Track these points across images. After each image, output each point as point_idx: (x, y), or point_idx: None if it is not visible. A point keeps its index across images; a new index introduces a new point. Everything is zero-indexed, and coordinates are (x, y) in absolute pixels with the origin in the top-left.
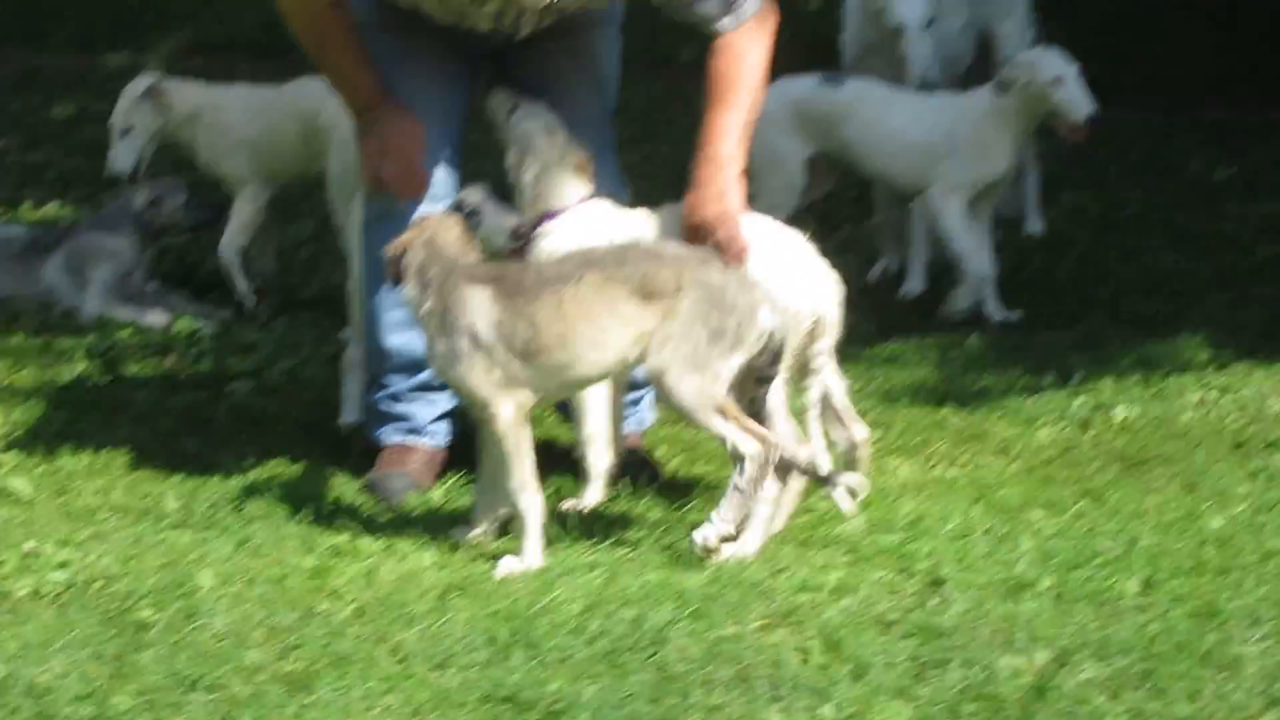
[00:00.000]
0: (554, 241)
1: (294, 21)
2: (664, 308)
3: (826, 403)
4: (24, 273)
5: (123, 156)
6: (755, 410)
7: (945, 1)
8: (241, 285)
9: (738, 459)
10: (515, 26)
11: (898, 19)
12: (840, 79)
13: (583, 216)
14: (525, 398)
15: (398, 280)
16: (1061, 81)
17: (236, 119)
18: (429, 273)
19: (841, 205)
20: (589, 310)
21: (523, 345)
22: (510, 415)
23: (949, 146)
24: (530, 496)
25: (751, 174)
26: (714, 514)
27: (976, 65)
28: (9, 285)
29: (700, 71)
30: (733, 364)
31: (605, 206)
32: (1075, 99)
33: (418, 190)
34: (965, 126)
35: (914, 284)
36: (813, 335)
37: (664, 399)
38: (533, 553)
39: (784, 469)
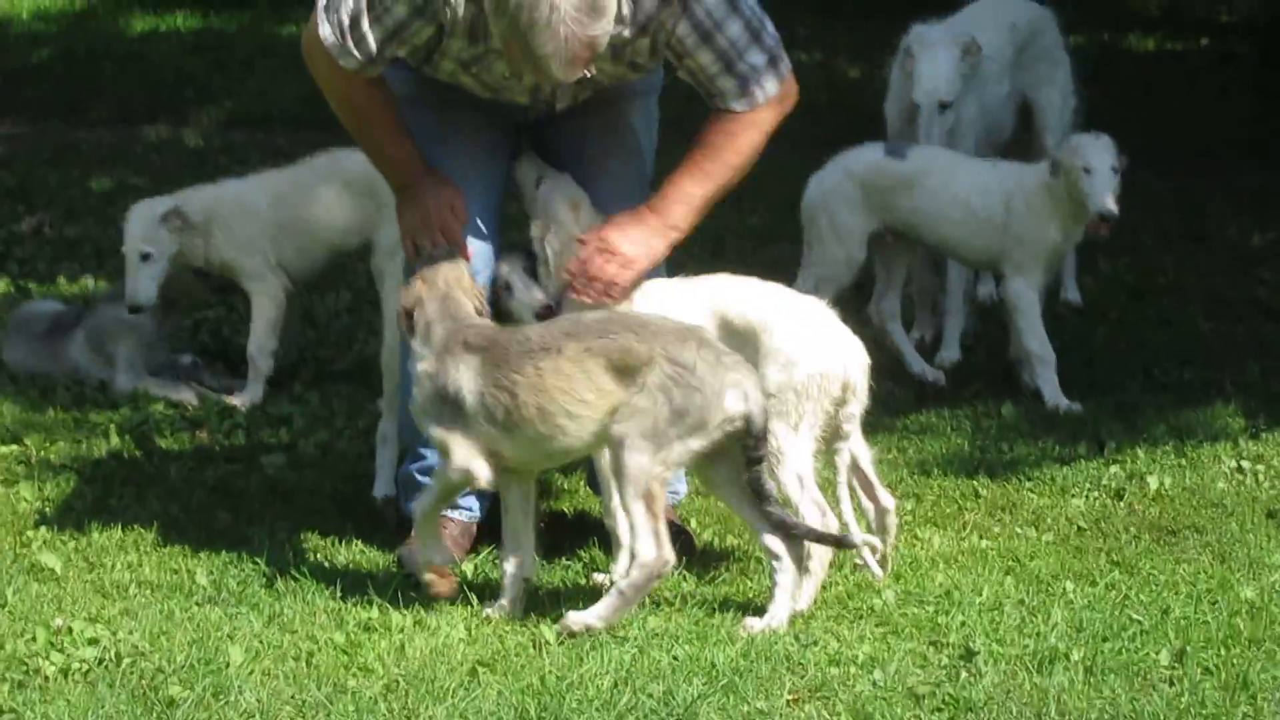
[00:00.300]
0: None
1: (331, 96)
2: (637, 380)
3: (855, 470)
4: (51, 352)
5: (145, 286)
6: (755, 489)
7: (988, 71)
8: (259, 387)
9: (633, 557)
10: (552, 100)
11: (917, 96)
12: (904, 148)
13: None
14: (507, 462)
15: (410, 331)
16: (1089, 172)
17: (259, 206)
18: (434, 332)
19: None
20: (566, 382)
21: (504, 417)
22: (487, 476)
23: (1005, 217)
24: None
25: (812, 244)
26: (594, 607)
27: (1018, 134)
28: (38, 364)
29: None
30: (691, 446)
31: None
32: (1094, 194)
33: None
34: (1020, 199)
35: (949, 352)
36: (842, 400)
37: (614, 470)
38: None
39: (800, 543)
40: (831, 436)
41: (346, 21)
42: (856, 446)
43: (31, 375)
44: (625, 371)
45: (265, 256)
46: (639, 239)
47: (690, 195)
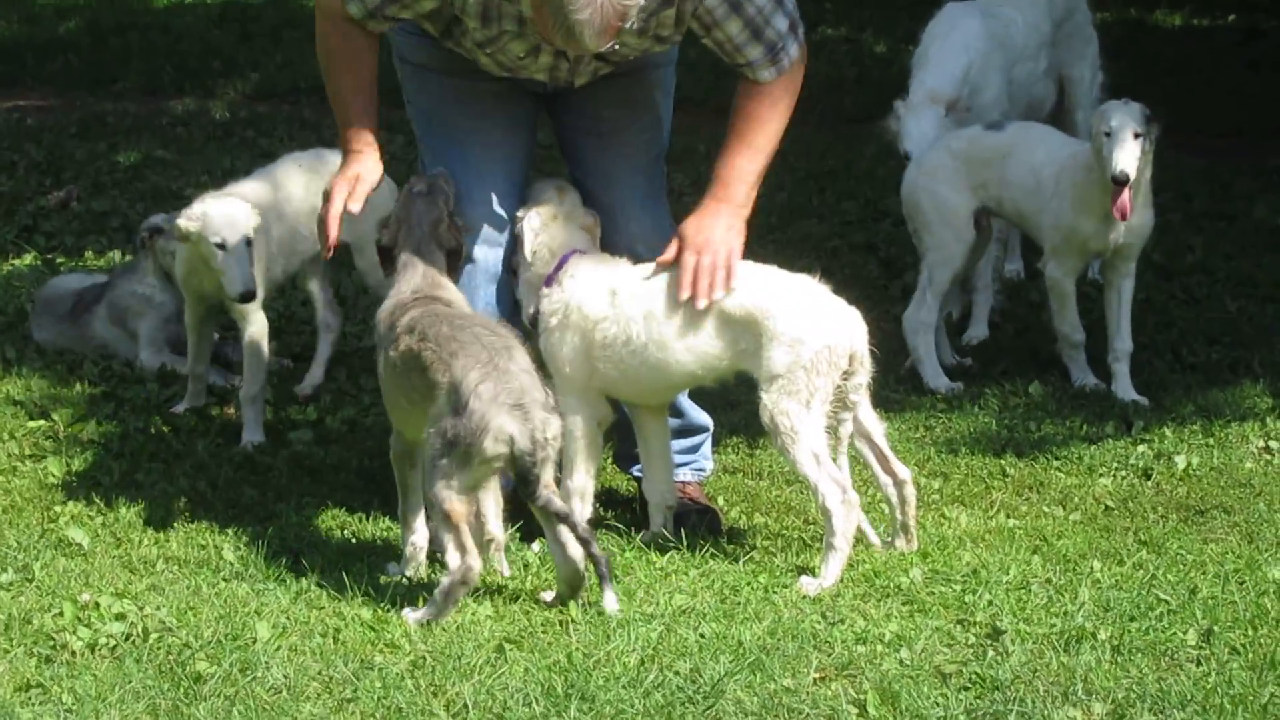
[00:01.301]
0: (550, 302)
1: (320, 37)
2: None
3: (869, 444)
4: (77, 330)
5: (252, 274)
6: (546, 510)
7: (1025, 48)
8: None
9: (445, 568)
10: (570, 79)
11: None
12: (1003, 122)
13: (580, 272)
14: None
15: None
16: (1109, 135)
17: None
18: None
19: (905, 251)
20: (390, 378)
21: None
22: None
23: (1053, 190)
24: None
25: (919, 232)
26: (423, 607)
27: (1056, 109)
28: (67, 342)
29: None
30: (473, 476)
31: (605, 261)
32: (1111, 155)
33: (326, 240)
34: (1067, 176)
35: (977, 330)
36: (850, 372)
37: None
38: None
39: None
40: (839, 408)
41: None
42: (868, 419)
43: (60, 351)
44: (433, 384)
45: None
46: (722, 227)
47: (748, 172)
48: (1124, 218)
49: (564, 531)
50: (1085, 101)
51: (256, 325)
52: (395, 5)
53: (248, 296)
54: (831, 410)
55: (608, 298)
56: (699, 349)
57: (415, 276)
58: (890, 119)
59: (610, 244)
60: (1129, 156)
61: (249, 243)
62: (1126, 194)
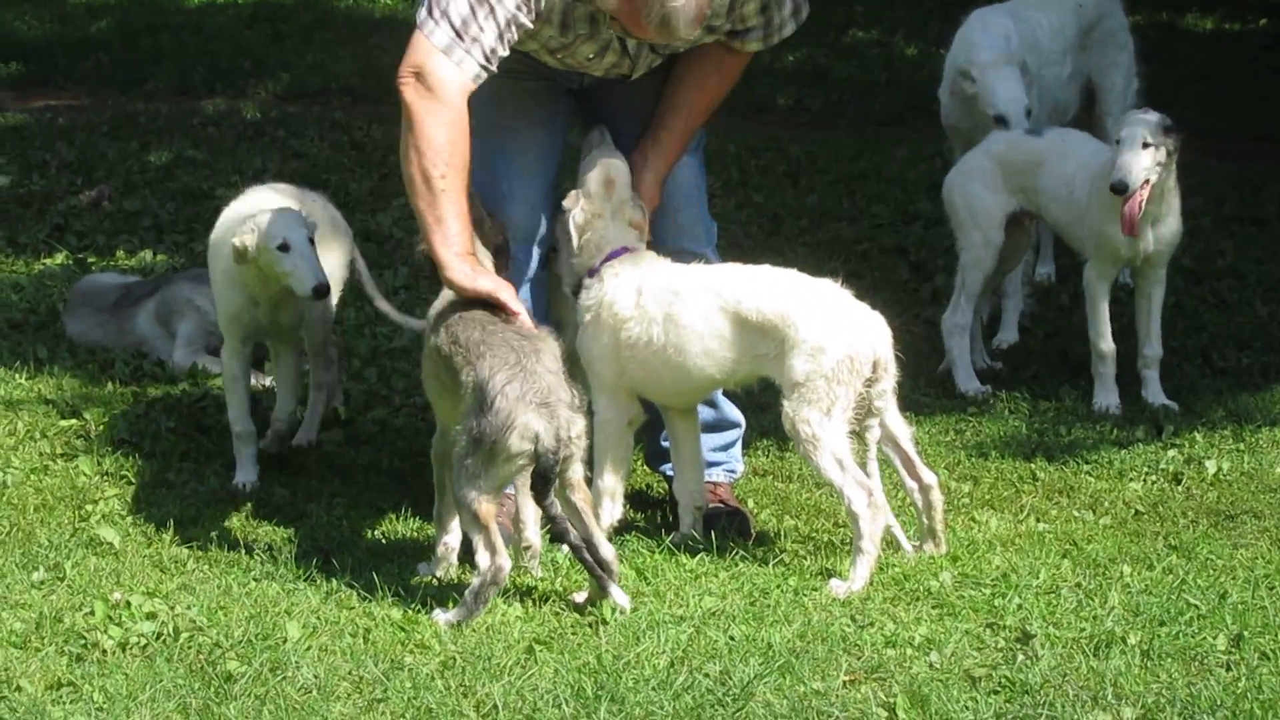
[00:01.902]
0: (589, 296)
1: (422, 137)
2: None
3: (895, 448)
4: (118, 323)
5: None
6: (547, 513)
7: (1049, 52)
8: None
9: (475, 568)
10: (629, 73)
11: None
12: (1043, 128)
13: (619, 268)
14: None
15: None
16: (1119, 143)
17: None
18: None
19: (935, 254)
20: (430, 369)
21: None
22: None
23: (1088, 198)
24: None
25: (955, 232)
26: (453, 609)
27: (1081, 116)
28: (102, 335)
29: (796, 116)
30: (500, 474)
31: (642, 258)
32: (1115, 162)
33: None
34: (1099, 181)
35: (1007, 334)
36: (874, 379)
37: None
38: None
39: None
40: (864, 415)
41: (458, 21)
42: (895, 424)
43: (92, 348)
44: (455, 380)
45: None
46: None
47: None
48: (1129, 232)
49: (595, 532)
50: (1117, 109)
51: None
52: (506, 37)
53: (322, 290)
54: (857, 416)
55: (634, 297)
56: (717, 354)
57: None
58: (958, 84)
59: (656, 235)
60: (1128, 167)
61: (311, 240)
62: (1133, 205)
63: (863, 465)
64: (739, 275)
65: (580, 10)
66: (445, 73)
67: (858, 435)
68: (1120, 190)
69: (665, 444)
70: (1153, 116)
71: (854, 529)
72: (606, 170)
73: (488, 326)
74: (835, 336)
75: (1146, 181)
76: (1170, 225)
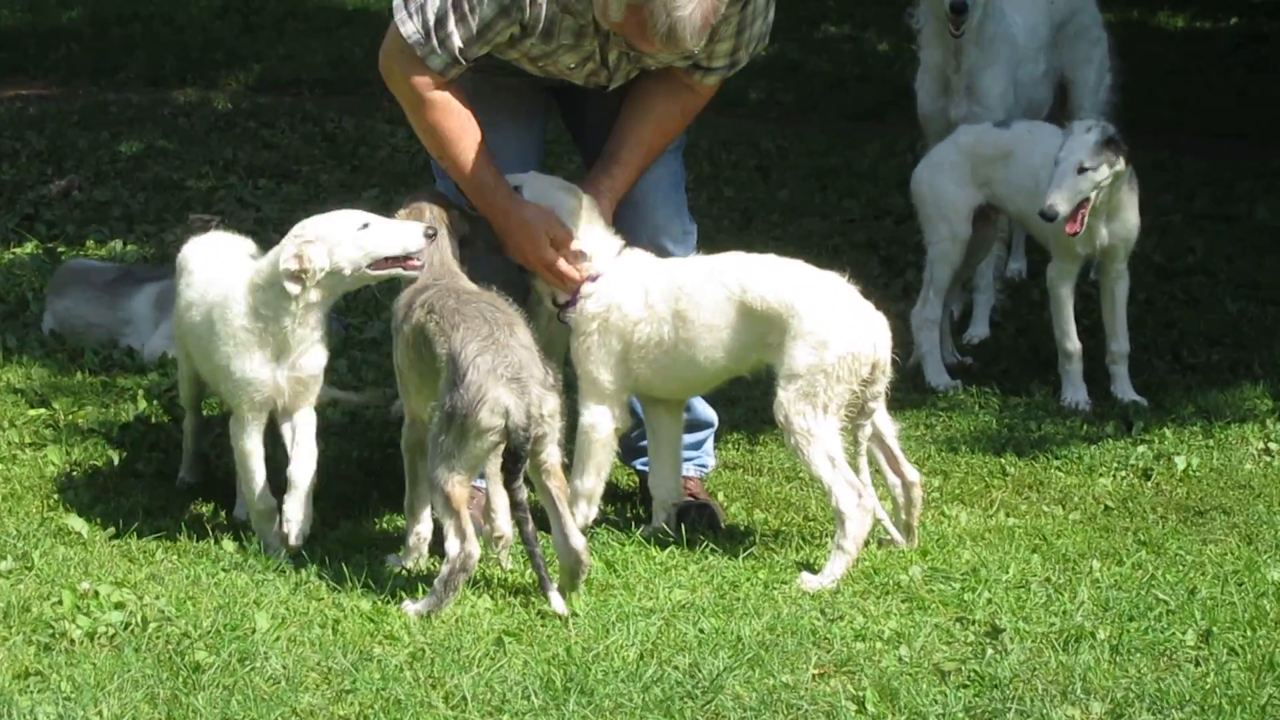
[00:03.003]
0: (595, 303)
1: (412, 113)
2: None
3: (880, 444)
4: (110, 299)
5: None
6: (513, 498)
7: (1026, 49)
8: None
9: (443, 555)
10: (607, 83)
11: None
12: (1011, 121)
13: (621, 271)
14: None
15: None
16: (1056, 164)
17: None
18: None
19: (906, 250)
20: (404, 356)
21: None
22: None
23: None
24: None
25: (923, 225)
26: (422, 599)
27: (1054, 112)
28: (88, 311)
29: (767, 111)
30: (472, 452)
31: (642, 258)
32: (1048, 188)
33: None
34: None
35: (978, 329)
36: (870, 380)
37: None
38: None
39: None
40: (857, 414)
41: (432, 20)
42: (881, 421)
43: (74, 328)
44: (435, 356)
45: None
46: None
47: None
48: (1073, 233)
49: (567, 521)
50: (1089, 104)
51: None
52: (478, 44)
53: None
54: (849, 415)
55: (642, 298)
56: (728, 343)
57: (431, 264)
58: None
59: (634, 234)
60: (1059, 196)
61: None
62: (1073, 226)
63: (851, 464)
64: (743, 263)
65: (568, 21)
66: (414, 67)
67: (848, 433)
68: (1050, 218)
69: (640, 441)
70: (1092, 136)
71: (839, 528)
72: (560, 183)
73: (462, 296)
74: (840, 332)
75: (1086, 201)
76: (1126, 220)
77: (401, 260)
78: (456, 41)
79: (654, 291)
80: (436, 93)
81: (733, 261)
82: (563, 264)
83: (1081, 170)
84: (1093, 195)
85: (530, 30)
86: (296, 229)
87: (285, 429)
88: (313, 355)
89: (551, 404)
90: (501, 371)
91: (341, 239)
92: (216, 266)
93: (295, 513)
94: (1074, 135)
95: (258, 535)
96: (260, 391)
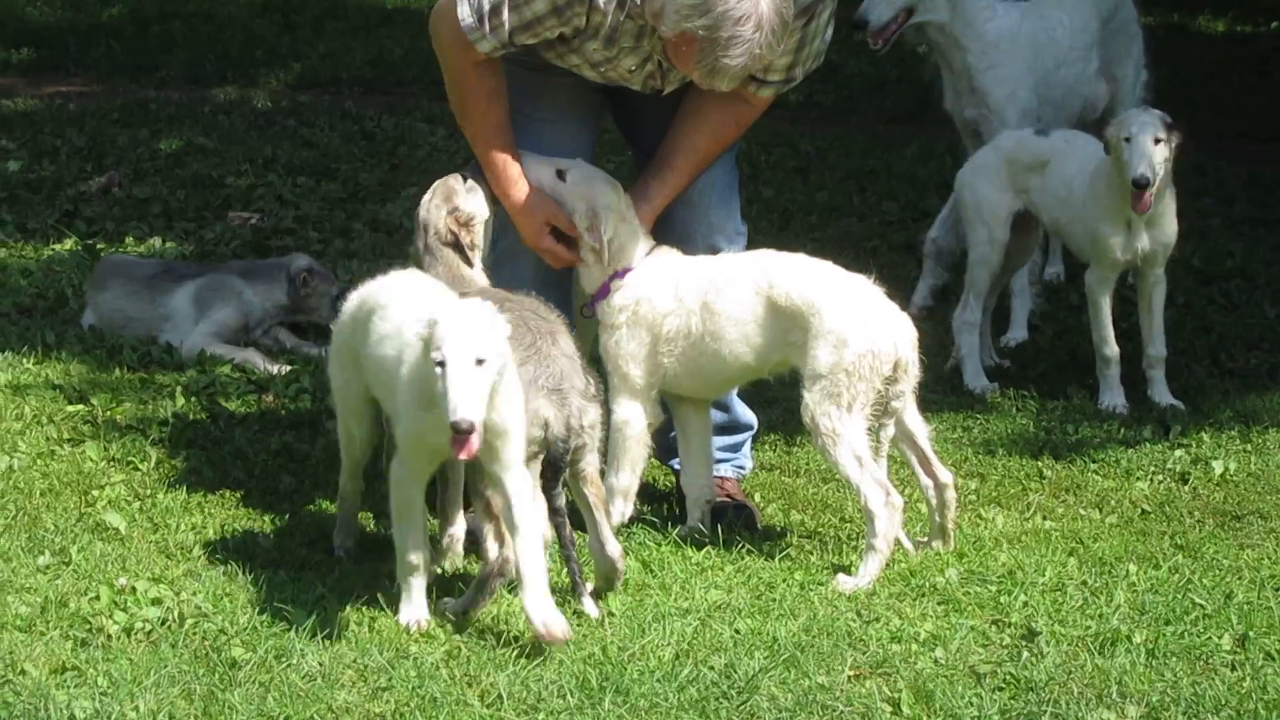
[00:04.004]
0: (623, 295)
1: (448, 74)
2: None
3: (912, 446)
4: (150, 294)
5: None
6: (551, 504)
7: (1071, 49)
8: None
9: (481, 559)
10: (662, 86)
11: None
12: (1050, 128)
13: (650, 266)
14: None
15: None
16: (1129, 141)
17: None
18: None
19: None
20: None
21: None
22: None
23: (1084, 200)
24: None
25: (964, 226)
26: (455, 599)
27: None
28: (128, 305)
29: (807, 112)
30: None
31: (672, 254)
32: (1129, 159)
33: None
34: (1096, 184)
35: (1016, 333)
36: (893, 379)
37: None
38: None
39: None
40: (881, 413)
41: (487, 7)
42: (913, 422)
43: (113, 323)
44: None
45: None
46: None
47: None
48: (1142, 211)
49: (603, 527)
50: (1130, 102)
51: None
52: (526, 34)
53: None
54: (873, 414)
55: (673, 291)
56: (753, 339)
57: (437, 271)
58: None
59: (688, 233)
60: (1148, 161)
61: None
62: (1146, 201)
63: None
64: (773, 260)
65: (628, 25)
66: (460, 40)
67: (871, 432)
68: (1144, 184)
69: (675, 439)
70: (1155, 112)
71: (869, 527)
72: (604, 176)
73: (506, 304)
74: (860, 331)
75: (1156, 176)
76: (1166, 227)
77: None
78: (505, 32)
79: (683, 285)
80: (473, 69)
81: (762, 258)
82: (559, 248)
83: (1157, 141)
84: (1161, 172)
85: (594, 34)
86: None
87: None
88: (510, 402)
89: (592, 415)
90: (543, 383)
91: None
92: (418, 304)
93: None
94: (1136, 114)
95: (401, 588)
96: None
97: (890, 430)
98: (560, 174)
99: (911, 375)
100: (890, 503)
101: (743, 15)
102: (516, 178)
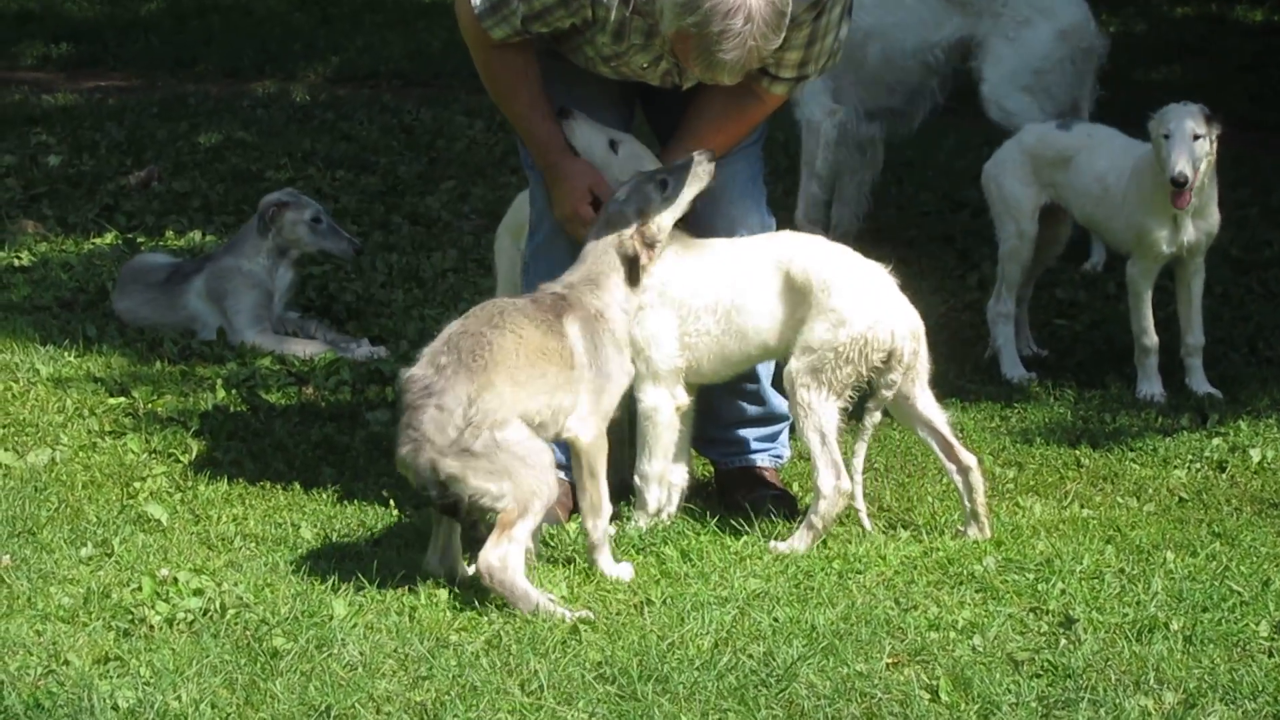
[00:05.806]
0: (654, 276)
1: (478, 61)
2: None
3: (933, 433)
4: (168, 300)
5: None
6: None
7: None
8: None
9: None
10: (680, 82)
11: None
12: (1072, 122)
13: (676, 247)
14: None
15: None
16: (1169, 137)
17: None
18: None
19: (982, 242)
20: None
21: None
22: None
23: (1122, 195)
24: None
25: (993, 221)
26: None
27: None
28: (151, 312)
29: None
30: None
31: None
32: (1169, 157)
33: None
34: (1136, 179)
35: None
36: (885, 368)
37: None
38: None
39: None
40: (867, 398)
41: None
42: (929, 409)
43: (142, 327)
44: None
45: None
46: None
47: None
48: (1181, 208)
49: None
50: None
51: None
52: (536, 22)
53: None
54: (858, 398)
55: (697, 270)
56: (774, 314)
57: (578, 269)
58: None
59: (711, 226)
60: (1187, 158)
61: None
62: (1185, 199)
63: (851, 447)
64: (794, 239)
65: (637, 22)
66: (479, 32)
67: (853, 412)
68: (1182, 183)
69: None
70: (1194, 107)
71: (813, 503)
72: (649, 155)
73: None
74: (859, 314)
75: (1197, 172)
76: (1210, 217)
77: None
78: (516, 20)
79: (708, 264)
80: (495, 51)
81: (785, 237)
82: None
83: (1196, 138)
84: (1202, 167)
85: (601, 27)
86: None
87: None
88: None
89: None
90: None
91: None
92: None
93: None
94: (1174, 110)
95: None
96: None
97: (876, 416)
98: (613, 145)
99: (904, 369)
100: (839, 485)
101: (731, 9)
102: (563, 146)
